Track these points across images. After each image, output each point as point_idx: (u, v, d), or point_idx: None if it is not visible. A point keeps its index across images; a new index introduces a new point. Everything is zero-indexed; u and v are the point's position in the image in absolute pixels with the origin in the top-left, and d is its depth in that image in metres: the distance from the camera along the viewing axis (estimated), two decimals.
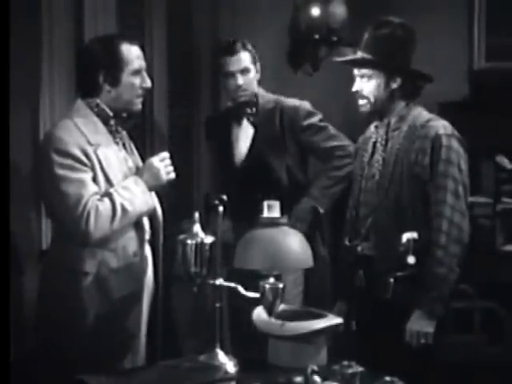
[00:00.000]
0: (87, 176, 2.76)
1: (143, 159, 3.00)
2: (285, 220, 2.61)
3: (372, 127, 3.19)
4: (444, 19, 4.74)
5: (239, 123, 3.66)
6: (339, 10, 4.64)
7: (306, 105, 3.70)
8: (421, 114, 3.08)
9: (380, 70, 3.03)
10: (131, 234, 2.87)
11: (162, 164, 2.89)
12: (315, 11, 4.63)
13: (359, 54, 3.08)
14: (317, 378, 2.37)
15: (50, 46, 3.72)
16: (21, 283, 3.48)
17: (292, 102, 3.71)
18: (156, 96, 4.24)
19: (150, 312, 3.00)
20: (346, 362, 2.41)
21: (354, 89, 3.09)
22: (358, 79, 3.08)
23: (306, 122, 3.68)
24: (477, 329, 3.96)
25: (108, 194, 2.78)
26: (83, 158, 2.76)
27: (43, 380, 2.89)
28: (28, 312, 3.29)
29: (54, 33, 3.73)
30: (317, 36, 4.63)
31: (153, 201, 2.90)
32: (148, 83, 2.92)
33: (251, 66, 3.60)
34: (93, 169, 2.78)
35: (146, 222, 2.94)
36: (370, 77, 3.04)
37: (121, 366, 2.85)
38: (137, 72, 2.88)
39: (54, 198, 2.79)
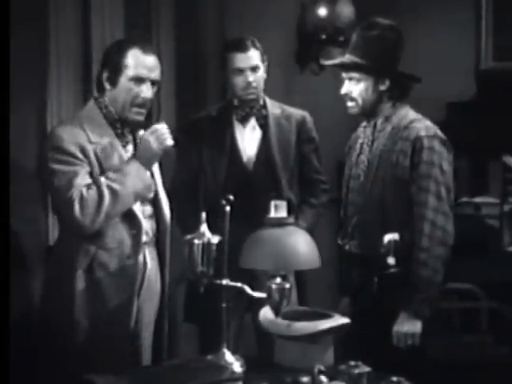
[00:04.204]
0: (82, 169, 2.79)
1: None
2: (292, 220, 2.61)
3: (361, 127, 3.19)
4: (451, 19, 4.73)
5: (245, 123, 3.63)
6: (346, 10, 4.64)
7: (309, 117, 3.71)
8: (407, 114, 3.07)
9: (368, 73, 3.02)
10: (127, 236, 2.88)
11: (153, 136, 2.87)
12: (322, 11, 4.63)
13: (347, 57, 3.07)
14: (323, 378, 2.37)
15: (57, 43, 3.72)
16: (28, 280, 3.49)
17: (297, 111, 3.69)
18: (163, 96, 4.25)
19: (156, 313, 3.01)
20: (352, 362, 2.41)
21: (343, 91, 3.08)
22: (346, 81, 3.08)
23: (310, 135, 3.70)
24: (483, 329, 3.96)
25: (96, 181, 2.80)
26: (79, 154, 2.80)
27: (44, 380, 2.91)
28: (35, 310, 3.30)
29: (61, 30, 3.73)
30: (323, 36, 4.63)
31: (149, 177, 2.89)
32: (146, 94, 2.89)
33: (260, 65, 3.58)
34: (90, 164, 2.82)
35: (145, 224, 2.94)
36: (358, 80, 3.04)
37: (120, 365, 2.84)
38: (137, 79, 2.88)
39: (50, 192, 2.88)
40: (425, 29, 4.40)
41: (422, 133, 2.97)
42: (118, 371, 2.67)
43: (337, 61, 3.18)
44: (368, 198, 3.03)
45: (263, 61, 3.59)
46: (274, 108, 3.65)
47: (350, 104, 3.09)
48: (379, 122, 3.08)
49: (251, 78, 3.53)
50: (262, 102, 3.63)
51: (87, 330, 2.83)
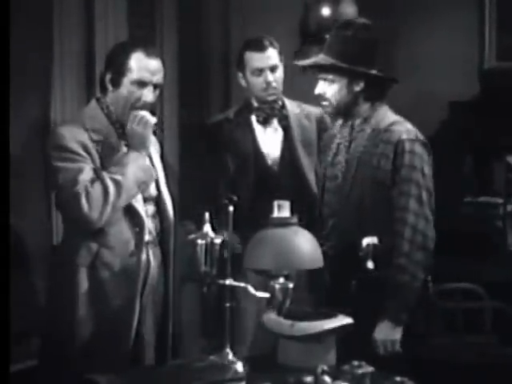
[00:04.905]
0: (86, 165, 2.80)
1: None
2: (295, 220, 2.61)
3: (337, 126, 3.18)
4: (455, 18, 4.73)
5: (266, 125, 3.59)
6: (349, 10, 4.64)
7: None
8: (386, 115, 3.04)
9: (342, 74, 3.00)
10: (129, 234, 2.88)
11: (134, 122, 2.86)
12: (325, 11, 4.63)
13: (321, 57, 3.04)
14: (327, 378, 2.37)
15: (61, 42, 3.73)
16: (32, 279, 3.50)
17: (315, 108, 3.65)
18: (166, 96, 4.25)
19: (160, 312, 3.01)
20: (356, 362, 2.41)
21: (317, 92, 3.06)
22: (320, 82, 3.05)
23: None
24: (487, 329, 3.95)
25: (99, 176, 2.81)
26: (81, 152, 2.81)
27: (46, 379, 2.91)
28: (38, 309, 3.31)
29: (65, 29, 3.74)
30: (327, 36, 4.62)
31: (148, 163, 2.90)
32: (147, 97, 2.89)
33: (279, 64, 3.53)
34: (93, 161, 2.83)
35: (149, 223, 2.94)
36: (332, 80, 3.01)
37: (123, 365, 2.85)
38: (140, 83, 2.88)
39: (55, 190, 2.88)
40: (428, 28, 4.39)
41: (404, 136, 2.95)
42: (120, 371, 2.67)
43: (310, 61, 3.12)
44: (346, 200, 3.00)
45: (281, 60, 3.55)
46: (293, 107, 3.61)
47: (324, 104, 3.07)
48: (357, 122, 3.06)
49: (271, 77, 3.48)
50: (280, 102, 3.60)
51: (90, 329, 2.84)
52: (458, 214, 4.47)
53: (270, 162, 3.55)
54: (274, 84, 3.50)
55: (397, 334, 2.89)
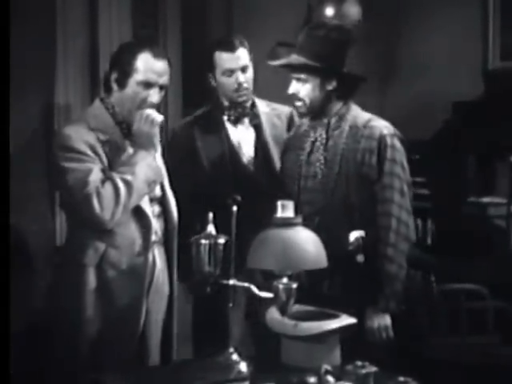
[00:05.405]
0: (94, 166, 2.80)
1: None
2: (299, 220, 2.61)
3: (305, 125, 3.19)
4: (458, 18, 4.73)
5: (237, 123, 3.57)
6: (352, 11, 4.65)
7: (295, 111, 3.66)
8: (359, 113, 3.11)
9: (314, 74, 3.03)
10: (136, 234, 2.89)
11: (141, 121, 2.86)
12: (329, 11, 4.64)
13: (294, 57, 3.07)
14: (330, 378, 2.37)
15: (65, 42, 3.73)
16: (35, 280, 3.51)
17: (284, 107, 3.62)
18: (170, 95, 4.25)
19: (165, 313, 3.01)
20: (359, 362, 2.41)
21: (290, 91, 3.10)
22: (293, 82, 3.09)
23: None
24: (490, 329, 3.95)
25: (109, 176, 2.81)
26: (89, 152, 2.81)
27: (51, 379, 2.92)
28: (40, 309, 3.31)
29: (68, 29, 3.74)
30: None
31: (156, 162, 2.90)
32: (153, 98, 2.89)
33: (249, 64, 3.49)
34: (101, 162, 2.83)
35: (154, 223, 2.95)
36: (305, 80, 3.05)
37: (127, 365, 2.85)
38: (146, 84, 2.88)
39: (63, 190, 2.88)
40: (431, 28, 4.39)
41: (385, 131, 3.03)
42: (125, 371, 2.68)
43: (282, 61, 3.13)
44: (331, 198, 3.04)
45: (251, 59, 3.50)
46: (263, 107, 3.59)
47: (297, 104, 3.11)
48: (333, 120, 3.09)
49: (242, 78, 3.45)
50: (251, 101, 3.57)
51: (96, 329, 2.84)
52: (461, 214, 4.47)
53: (245, 160, 3.55)
54: (245, 85, 3.47)
55: (388, 320, 2.97)
